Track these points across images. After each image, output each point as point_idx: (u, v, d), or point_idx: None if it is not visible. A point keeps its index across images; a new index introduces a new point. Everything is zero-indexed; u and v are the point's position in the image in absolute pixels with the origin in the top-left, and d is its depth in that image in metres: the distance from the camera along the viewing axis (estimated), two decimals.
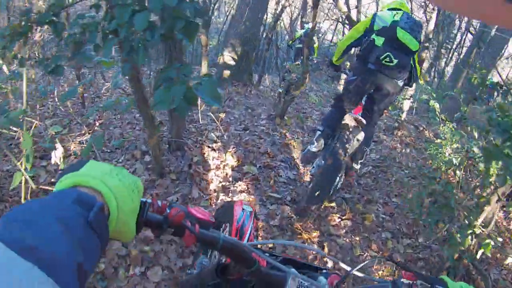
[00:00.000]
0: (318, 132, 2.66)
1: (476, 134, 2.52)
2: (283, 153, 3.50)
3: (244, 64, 6.54)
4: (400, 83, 2.49)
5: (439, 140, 3.71)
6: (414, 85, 3.24)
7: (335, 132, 2.60)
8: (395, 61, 2.32)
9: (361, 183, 3.23)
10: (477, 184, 2.28)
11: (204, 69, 4.10)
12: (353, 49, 2.90)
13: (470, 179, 2.79)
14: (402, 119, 4.99)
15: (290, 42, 6.35)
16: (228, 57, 6.49)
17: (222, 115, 4.04)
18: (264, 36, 8.14)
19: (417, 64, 2.56)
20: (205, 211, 0.64)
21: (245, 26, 6.41)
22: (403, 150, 4.30)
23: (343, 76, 4.46)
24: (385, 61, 2.34)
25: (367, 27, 2.46)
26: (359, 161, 2.70)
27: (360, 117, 2.45)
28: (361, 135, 2.48)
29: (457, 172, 2.63)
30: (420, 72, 2.83)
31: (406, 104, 4.93)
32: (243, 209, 1.17)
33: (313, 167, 2.73)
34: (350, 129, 2.45)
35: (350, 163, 2.65)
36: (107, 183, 0.47)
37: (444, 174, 3.20)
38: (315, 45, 5.89)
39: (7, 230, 0.34)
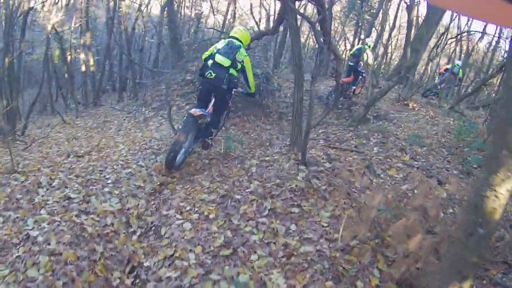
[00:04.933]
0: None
1: None
2: None
3: None
4: (225, 86, 3.95)
5: None
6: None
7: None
8: (214, 74, 3.92)
9: None
10: None
11: None
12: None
13: None
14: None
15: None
16: None
17: None
18: None
19: (249, 75, 4.13)
20: None
21: None
22: None
23: None
24: (209, 75, 3.92)
25: (212, 51, 4.07)
26: (210, 138, 4.20)
27: (198, 111, 3.88)
28: (205, 120, 3.97)
29: None
30: (253, 81, 4.27)
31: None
32: None
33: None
34: (197, 116, 3.88)
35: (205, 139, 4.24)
36: None
37: None
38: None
39: None
